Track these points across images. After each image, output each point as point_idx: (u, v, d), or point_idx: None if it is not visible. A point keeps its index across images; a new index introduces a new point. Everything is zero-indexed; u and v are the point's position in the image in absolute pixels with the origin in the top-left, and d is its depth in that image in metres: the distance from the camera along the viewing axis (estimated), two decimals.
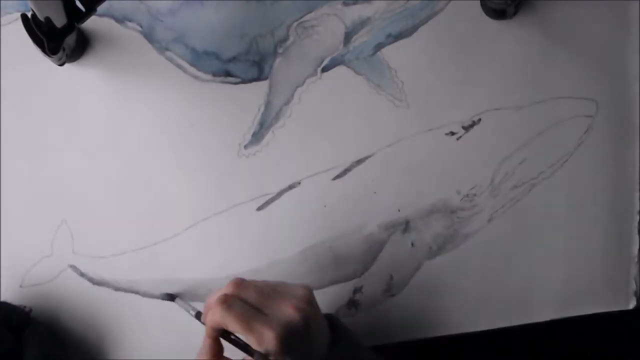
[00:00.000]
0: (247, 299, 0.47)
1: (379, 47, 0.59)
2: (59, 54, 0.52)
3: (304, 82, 0.59)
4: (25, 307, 0.58)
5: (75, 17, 0.50)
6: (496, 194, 0.61)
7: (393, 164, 0.60)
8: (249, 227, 0.60)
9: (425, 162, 0.60)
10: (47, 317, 0.60)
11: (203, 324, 0.50)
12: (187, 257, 0.60)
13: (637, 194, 0.61)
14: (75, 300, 0.60)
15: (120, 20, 0.59)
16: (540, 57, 0.59)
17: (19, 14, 0.55)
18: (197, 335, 0.61)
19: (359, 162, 0.60)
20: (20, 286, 0.60)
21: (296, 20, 0.59)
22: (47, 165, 0.59)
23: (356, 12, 0.59)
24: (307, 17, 0.59)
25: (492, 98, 0.60)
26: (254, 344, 0.45)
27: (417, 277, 0.61)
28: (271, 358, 0.45)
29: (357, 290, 0.61)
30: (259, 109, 0.60)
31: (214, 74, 0.59)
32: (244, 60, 0.59)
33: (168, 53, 0.59)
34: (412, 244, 0.61)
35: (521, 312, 0.61)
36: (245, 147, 0.60)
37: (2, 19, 0.58)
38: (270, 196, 0.60)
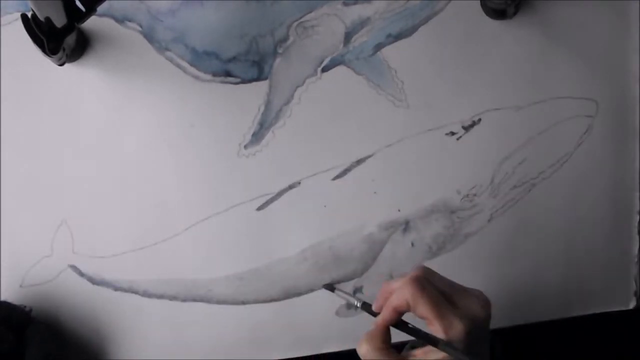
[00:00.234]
0: (437, 285, 0.46)
1: (379, 47, 0.59)
2: (59, 54, 0.52)
3: (304, 82, 0.59)
4: (25, 306, 0.58)
5: (75, 17, 0.50)
6: (496, 194, 0.61)
7: (393, 164, 0.60)
8: (249, 227, 0.60)
9: (425, 162, 0.60)
10: (47, 317, 0.60)
11: (371, 313, 0.49)
12: (187, 257, 0.60)
13: (637, 194, 0.61)
14: (75, 300, 0.60)
15: (120, 20, 0.59)
16: (540, 57, 0.59)
17: (19, 14, 0.55)
18: (197, 335, 0.61)
19: (359, 162, 0.60)
20: (20, 286, 0.60)
21: (296, 20, 0.59)
22: (47, 165, 0.59)
23: (356, 12, 0.59)
24: (307, 17, 0.59)
25: (492, 98, 0.60)
26: (439, 332, 0.44)
27: None
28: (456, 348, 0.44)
29: (357, 290, 0.61)
30: (259, 109, 0.60)
31: (214, 74, 0.59)
32: (244, 60, 0.59)
33: (168, 53, 0.59)
34: (412, 244, 0.61)
35: (521, 312, 0.61)
36: (245, 147, 0.60)
37: (2, 19, 0.58)
38: (270, 196, 0.60)
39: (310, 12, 0.59)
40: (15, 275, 0.60)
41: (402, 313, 0.47)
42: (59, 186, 0.60)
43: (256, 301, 0.61)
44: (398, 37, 0.59)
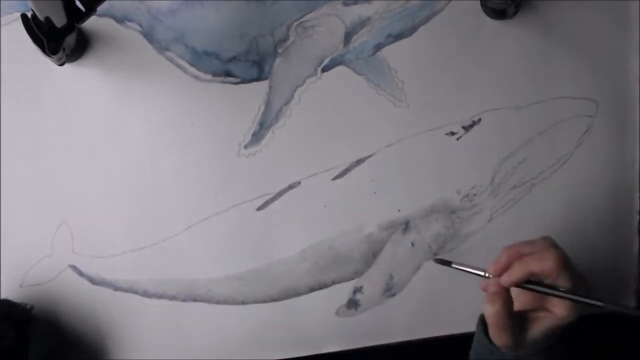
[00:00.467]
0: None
1: (379, 47, 0.59)
2: (59, 54, 0.52)
3: (304, 82, 0.59)
4: (26, 304, 0.58)
5: (75, 17, 0.50)
6: (496, 194, 0.61)
7: (393, 164, 0.60)
8: (249, 227, 0.60)
9: (425, 162, 0.60)
10: (47, 316, 0.60)
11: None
12: (187, 257, 0.60)
13: (637, 194, 0.61)
14: (75, 300, 0.60)
15: (120, 20, 0.59)
16: (540, 57, 0.59)
17: (19, 14, 0.55)
18: (197, 335, 0.61)
19: (359, 162, 0.60)
20: (21, 286, 0.60)
21: (296, 20, 0.59)
22: (47, 165, 0.60)
23: (356, 12, 0.59)
24: (307, 17, 0.59)
25: (492, 98, 0.60)
26: (564, 308, 0.48)
27: (417, 277, 0.61)
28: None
29: (357, 290, 0.61)
30: (259, 109, 0.60)
31: (214, 74, 0.59)
32: (244, 60, 0.59)
33: (168, 53, 0.59)
34: (412, 244, 0.61)
35: None
36: (245, 147, 0.60)
37: (2, 19, 0.58)
38: (270, 196, 0.60)
39: (310, 12, 0.59)
40: (16, 275, 0.60)
41: (530, 277, 0.48)
42: (59, 186, 0.60)
43: (256, 301, 0.61)
44: (398, 37, 0.59)
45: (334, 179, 0.60)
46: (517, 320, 0.49)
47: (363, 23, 0.59)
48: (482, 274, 0.52)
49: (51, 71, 0.58)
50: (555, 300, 0.48)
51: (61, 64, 0.56)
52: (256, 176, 0.60)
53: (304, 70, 0.59)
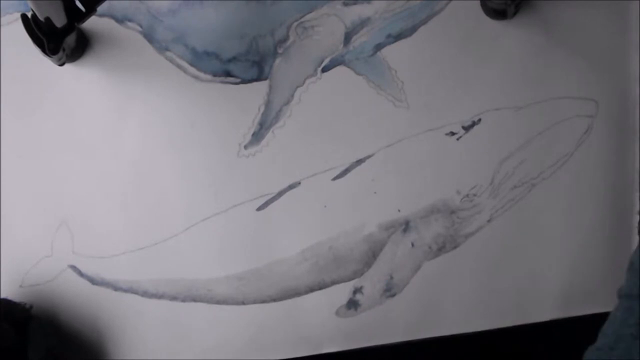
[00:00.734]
0: None
1: (379, 47, 0.59)
2: (59, 54, 0.52)
3: (304, 82, 0.59)
4: (25, 303, 0.58)
5: (75, 17, 0.50)
6: (496, 194, 0.61)
7: (393, 164, 0.60)
8: (249, 227, 0.60)
9: (425, 162, 0.60)
10: (47, 316, 0.60)
11: None
12: (187, 257, 0.60)
13: (637, 194, 0.61)
14: (75, 300, 0.60)
15: (120, 20, 0.59)
16: (540, 57, 0.59)
17: (19, 14, 0.55)
18: (197, 335, 0.61)
19: (359, 162, 0.60)
20: (20, 286, 0.60)
21: (296, 20, 0.59)
22: (47, 166, 0.60)
23: (356, 12, 0.59)
24: (307, 17, 0.59)
25: (492, 98, 0.60)
26: None
27: (417, 277, 0.61)
28: None
29: (357, 290, 0.61)
30: (259, 109, 0.60)
31: (214, 74, 0.59)
32: (244, 60, 0.59)
33: (168, 53, 0.59)
34: (412, 244, 0.61)
35: (521, 312, 0.61)
36: (245, 147, 0.60)
37: (2, 19, 0.58)
38: (270, 196, 0.60)
39: (310, 12, 0.59)
40: (16, 275, 0.60)
41: None
42: (59, 186, 0.60)
43: (256, 301, 0.61)
44: (398, 37, 0.59)
45: (334, 179, 0.60)
46: None
47: (363, 23, 0.59)
48: None
49: (51, 71, 0.58)
50: None
51: (61, 64, 0.56)
52: (256, 176, 0.60)
53: (304, 71, 0.59)
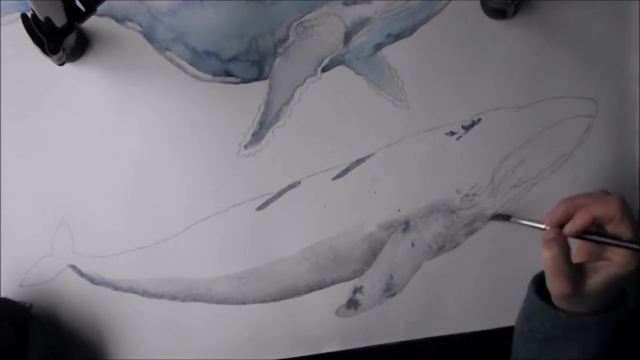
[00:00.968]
0: None
1: (379, 47, 0.59)
2: (59, 54, 0.52)
3: (304, 82, 0.59)
4: (25, 303, 0.58)
5: (75, 17, 0.50)
6: (496, 194, 0.61)
7: (393, 164, 0.60)
8: (249, 227, 0.60)
9: (425, 162, 0.60)
10: (47, 316, 0.60)
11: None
12: (187, 257, 0.60)
13: (637, 194, 0.61)
14: (75, 300, 0.60)
15: (120, 20, 0.59)
16: (540, 57, 0.59)
17: (19, 14, 0.55)
18: (197, 335, 0.61)
19: (359, 161, 0.60)
20: (20, 285, 0.60)
21: (296, 20, 0.59)
22: (47, 165, 0.60)
23: (356, 12, 0.59)
24: (307, 17, 0.59)
25: (492, 98, 0.60)
26: (624, 256, 0.48)
27: (417, 277, 0.61)
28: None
29: (357, 290, 0.61)
30: (259, 109, 0.60)
31: (214, 74, 0.59)
32: (244, 60, 0.59)
33: (168, 53, 0.59)
34: (412, 244, 0.61)
35: None
36: (245, 147, 0.60)
37: (2, 19, 0.58)
38: (270, 196, 0.60)
39: (310, 12, 0.59)
40: (15, 275, 0.60)
41: (592, 224, 0.49)
42: (59, 186, 0.60)
43: (256, 301, 0.61)
44: (398, 37, 0.59)
45: (334, 178, 0.60)
46: (575, 268, 0.49)
47: (363, 23, 0.59)
48: (542, 227, 0.52)
49: (51, 71, 0.58)
50: (615, 248, 0.49)
51: (61, 64, 0.56)
52: (256, 176, 0.60)
53: (304, 70, 0.59)
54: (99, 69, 0.59)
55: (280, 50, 0.59)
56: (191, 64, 0.59)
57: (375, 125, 0.60)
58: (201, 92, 0.59)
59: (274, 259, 0.61)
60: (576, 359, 0.50)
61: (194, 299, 0.61)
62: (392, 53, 0.59)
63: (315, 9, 0.59)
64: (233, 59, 0.59)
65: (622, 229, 0.48)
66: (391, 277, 0.61)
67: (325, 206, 0.60)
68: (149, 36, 0.59)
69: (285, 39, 0.59)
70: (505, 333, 0.58)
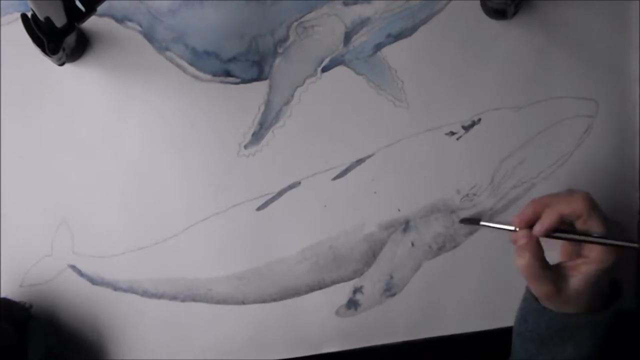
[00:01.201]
0: None
1: (379, 47, 0.59)
2: (59, 54, 0.52)
3: (304, 82, 0.59)
4: (25, 303, 0.58)
5: (75, 17, 0.50)
6: (496, 194, 0.61)
7: (393, 164, 0.60)
8: (249, 227, 0.60)
9: (425, 162, 0.60)
10: (47, 316, 0.60)
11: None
12: (187, 257, 0.60)
13: (637, 194, 0.61)
14: (75, 300, 0.60)
15: (120, 20, 0.59)
16: (540, 57, 0.59)
17: (19, 14, 0.55)
18: (197, 335, 0.61)
19: (359, 162, 0.60)
20: (20, 286, 0.60)
21: (296, 20, 0.59)
22: (47, 165, 0.60)
23: (356, 12, 0.59)
24: (307, 17, 0.59)
25: (492, 98, 0.60)
26: (599, 251, 0.48)
27: (417, 277, 0.61)
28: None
29: (357, 290, 0.61)
30: (259, 109, 0.60)
31: (214, 74, 0.59)
32: (244, 60, 0.59)
33: (168, 53, 0.59)
34: (412, 244, 0.61)
35: None
36: (245, 147, 0.60)
37: (2, 19, 0.58)
38: (270, 196, 0.60)
39: (310, 12, 0.59)
40: (15, 275, 0.60)
41: (560, 222, 0.49)
42: (59, 186, 0.60)
43: (256, 301, 0.61)
44: (398, 37, 0.59)
45: (334, 179, 0.60)
46: (554, 269, 0.49)
47: (363, 23, 0.59)
48: (512, 228, 0.52)
49: (51, 71, 0.58)
50: (591, 245, 0.49)
51: (61, 64, 0.56)
52: (256, 176, 0.60)
53: (304, 70, 0.59)
54: (99, 69, 0.59)
55: (280, 51, 0.59)
56: (191, 64, 0.59)
57: (375, 125, 0.60)
58: (201, 92, 0.59)
59: (274, 259, 0.61)
60: (572, 359, 0.51)
61: (194, 299, 0.61)
62: (392, 53, 0.59)
63: (315, 9, 0.59)
64: (233, 59, 0.59)
65: (592, 225, 0.49)
66: (391, 277, 0.61)
67: (325, 206, 0.60)
68: (149, 36, 0.59)
69: (285, 39, 0.59)
70: (505, 333, 0.58)
